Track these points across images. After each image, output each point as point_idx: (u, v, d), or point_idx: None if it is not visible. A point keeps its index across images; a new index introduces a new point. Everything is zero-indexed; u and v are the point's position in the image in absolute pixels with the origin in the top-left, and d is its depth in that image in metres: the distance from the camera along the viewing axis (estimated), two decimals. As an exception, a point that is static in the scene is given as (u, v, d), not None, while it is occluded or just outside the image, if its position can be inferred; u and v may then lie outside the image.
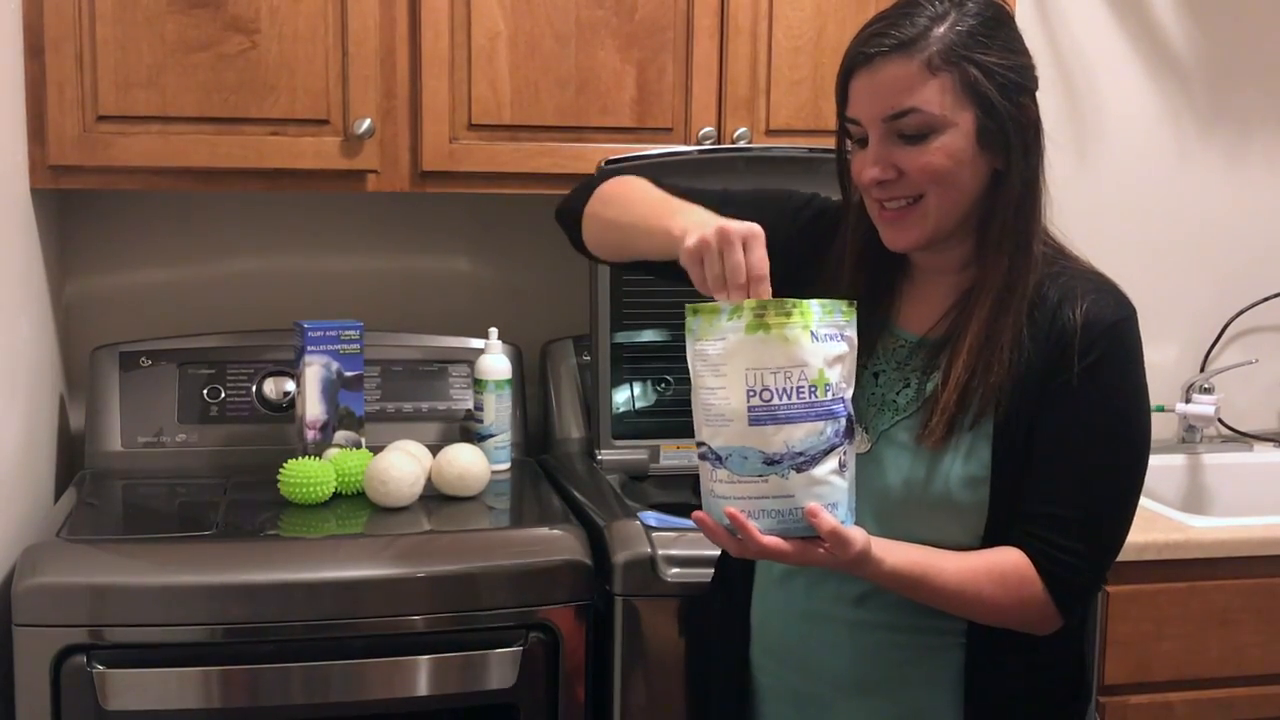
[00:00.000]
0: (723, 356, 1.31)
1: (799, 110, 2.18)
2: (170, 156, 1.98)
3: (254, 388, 2.21)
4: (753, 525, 1.30)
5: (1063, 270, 1.43)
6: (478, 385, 2.19)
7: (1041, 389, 1.39)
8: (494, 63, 2.07)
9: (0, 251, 1.86)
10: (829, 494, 1.31)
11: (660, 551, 1.79)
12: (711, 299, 1.33)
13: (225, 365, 2.21)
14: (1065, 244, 1.48)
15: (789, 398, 1.29)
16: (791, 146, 2.13)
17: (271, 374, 2.22)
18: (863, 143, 1.41)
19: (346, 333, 2.07)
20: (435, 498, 1.99)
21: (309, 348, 2.05)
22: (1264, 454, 2.65)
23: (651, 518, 1.89)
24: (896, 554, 1.34)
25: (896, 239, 1.43)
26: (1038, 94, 1.42)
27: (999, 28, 1.39)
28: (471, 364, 2.25)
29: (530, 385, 2.38)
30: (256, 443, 2.17)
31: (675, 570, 1.79)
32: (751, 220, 1.33)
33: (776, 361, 1.29)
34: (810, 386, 1.30)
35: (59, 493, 2.11)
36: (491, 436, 2.17)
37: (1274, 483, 2.60)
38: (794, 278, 1.43)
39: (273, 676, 1.69)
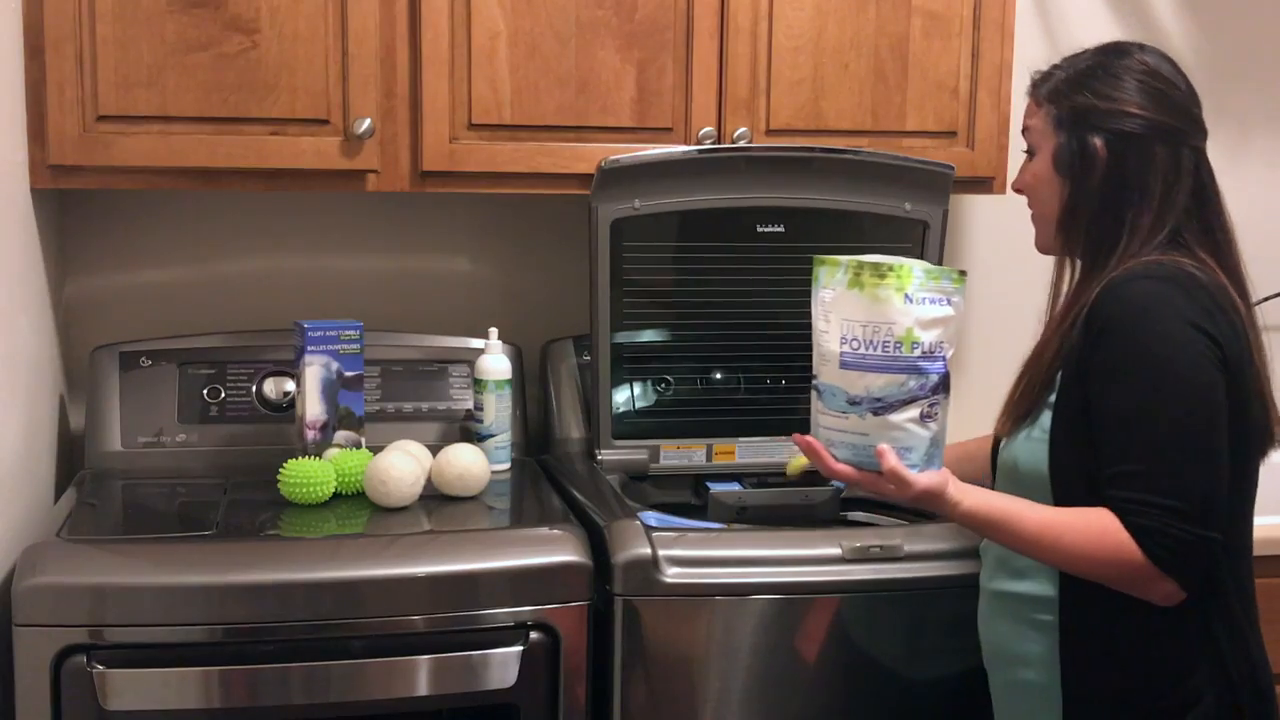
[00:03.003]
0: (830, 305, 1.55)
1: (799, 110, 2.18)
2: (170, 156, 1.98)
3: (254, 388, 2.21)
4: (825, 451, 1.56)
5: (1139, 263, 1.55)
6: (478, 385, 2.19)
7: (1078, 366, 1.53)
8: (494, 62, 2.07)
9: (0, 251, 1.86)
10: (903, 439, 1.50)
11: (660, 551, 1.79)
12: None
13: (225, 365, 2.21)
14: (1188, 254, 1.58)
15: (873, 349, 1.50)
16: (792, 146, 2.13)
17: (271, 374, 2.22)
18: None
19: (346, 333, 2.07)
20: (435, 498, 1.99)
21: (309, 348, 2.05)
22: (1264, 454, 2.65)
23: (651, 518, 1.89)
24: (976, 497, 1.52)
25: (1036, 244, 1.70)
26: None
27: (1104, 73, 1.60)
28: (471, 364, 2.25)
29: (530, 385, 2.38)
30: (256, 443, 2.17)
31: (675, 570, 1.79)
32: None
33: (866, 316, 1.50)
34: (896, 342, 1.49)
35: (59, 493, 2.11)
36: (491, 436, 2.17)
37: (1274, 483, 2.59)
38: None
39: (273, 676, 1.69)
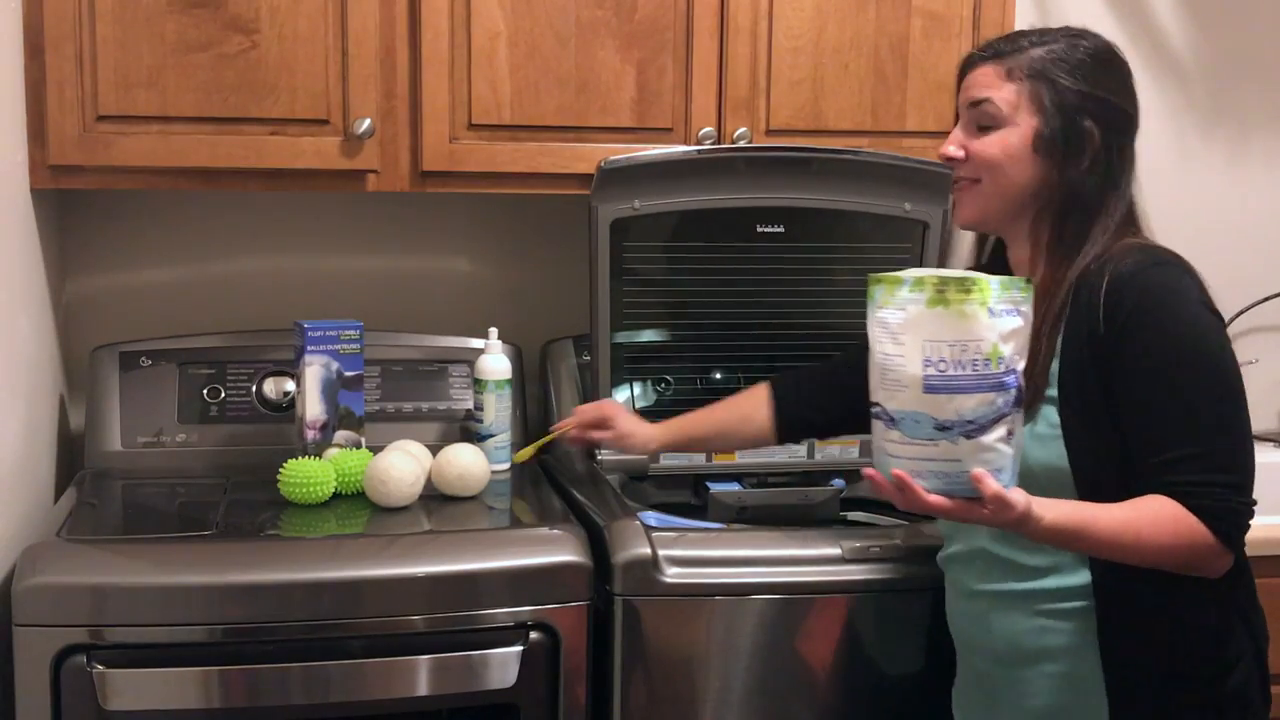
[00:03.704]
0: (902, 326, 1.42)
1: (799, 110, 2.18)
2: (170, 156, 1.98)
3: (254, 388, 2.21)
4: (919, 485, 1.42)
5: (1109, 251, 1.56)
6: (478, 385, 2.19)
7: (1091, 353, 1.51)
8: (494, 63, 2.07)
9: (0, 251, 1.86)
10: (995, 460, 1.41)
11: (660, 551, 1.79)
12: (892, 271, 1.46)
13: (225, 365, 2.21)
14: (1142, 238, 1.60)
15: (963, 369, 1.40)
16: (791, 146, 2.13)
17: (271, 374, 2.22)
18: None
19: (346, 333, 2.07)
20: (435, 498, 1.99)
21: (309, 348, 2.05)
22: (1264, 454, 2.65)
23: (651, 518, 1.89)
24: (1054, 510, 1.45)
25: (958, 215, 1.68)
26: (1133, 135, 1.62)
27: (1091, 61, 1.59)
28: (471, 364, 2.25)
29: (530, 385, 2.38)
30: (256, 443, 2.17)
31: (675, 570, 1.79)
32: None
33: (954, 335, 1.39)
34: (984, 360, 1.40)
35: (59, 493, 2.11)
36: (491, 436, 2.17)
37: (1274, 483, 2.59)
38: None
39: (273, 676, 1.69)
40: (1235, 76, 2.69)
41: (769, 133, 2.17)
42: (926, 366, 1.40)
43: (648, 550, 1.79)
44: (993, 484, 1.40)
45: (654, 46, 2.12)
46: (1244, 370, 1.54)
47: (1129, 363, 1.50)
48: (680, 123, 2.15)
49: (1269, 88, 2.72)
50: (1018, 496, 1.42)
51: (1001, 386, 1.40)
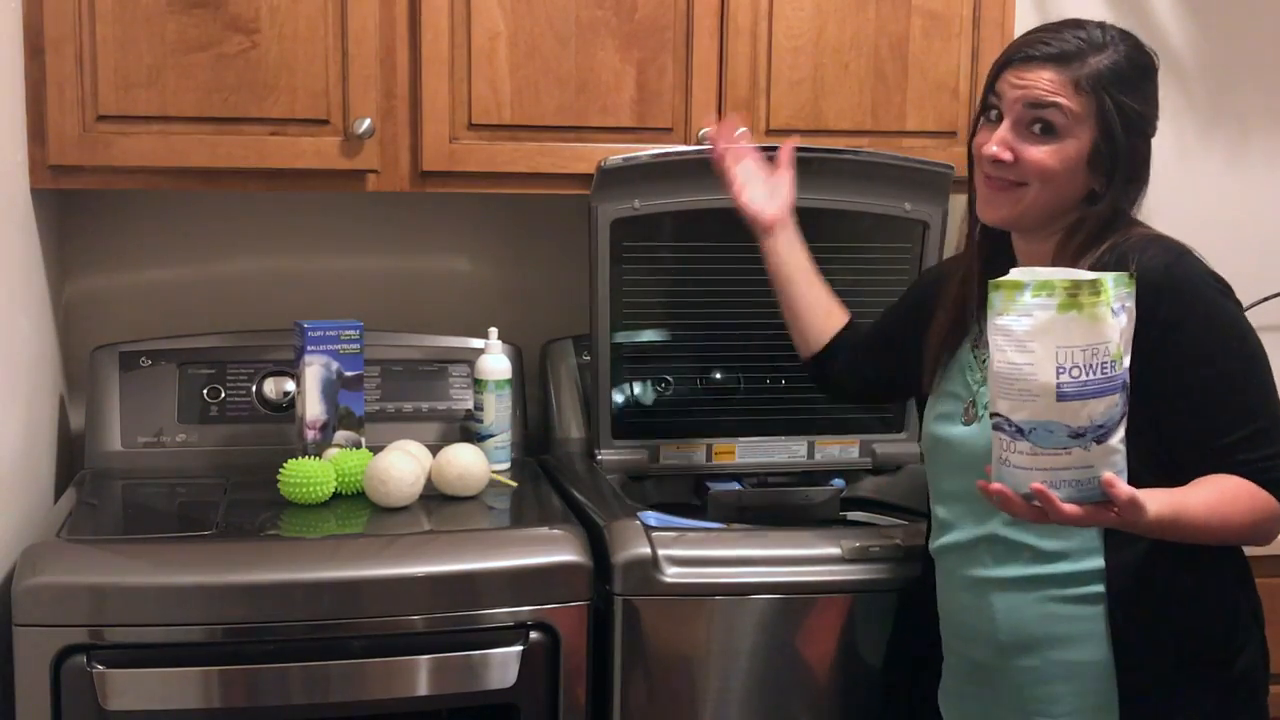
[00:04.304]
0: (1030, 333, 1.36)
1: (799, 110, 2.18)
2: (170, 156, 1.98)
3: (254, 388, 2.21)
4: (1056, 495, 1.37)
5: (1124, 241, 1.58)
6: (478, 385, 2.19)
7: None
8: (494, 63, 2.07)
9: (0, 251, 1.86)
10: (1119, 461, 1.39)
11: (660, 551, 1.79)
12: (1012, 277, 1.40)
13: (225, 365, 2.21)
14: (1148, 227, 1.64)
15: (1094, 373, 1.36)
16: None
17: (271, 374, 2.22)
18: (997, 121, 1.61)
19: (346, 333, 2.07)
20: (435, 498, 1.99)
21: (309, 348, 2.05)
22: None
23: (651, 518, 1.89)
24: (1156, 502, 1.42)
25: (987, 211, 1.64)
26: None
27: (1142, 77, 1.60)
28: (471, 364, 2.25)
29: (530, 385, 2.38)
30: (256, 443, 2.17)
31: (675, 570, 1.79)
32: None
33: (1086, 339, 1.35)
34: (1111, 361, 1.37)
35: (59, 493, 2.11)
36: (491, 436, 2.17)
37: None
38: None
39: (273, 676, 1.69)
40: (1235, 76, 2.69)
41: (769, 133, 2.17)
42: (1060, 374, 1.35)
43: (648, 550, 1.79)
44: (1125, 488, 1.38)
45: (654, 46, 2.12)
46: None
47: (1176, 356, 1.51)
48: (680, 123, 2.15)
49: (1269, 88, 2.72)
50: (1140, 496, 1.40)
51: (1123, 386, 1.38)
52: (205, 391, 2.18)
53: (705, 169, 1.98)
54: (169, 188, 2.13)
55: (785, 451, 2.26)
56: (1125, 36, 1.61)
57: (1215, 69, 2.68)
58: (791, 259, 1.93)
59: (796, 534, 1.91)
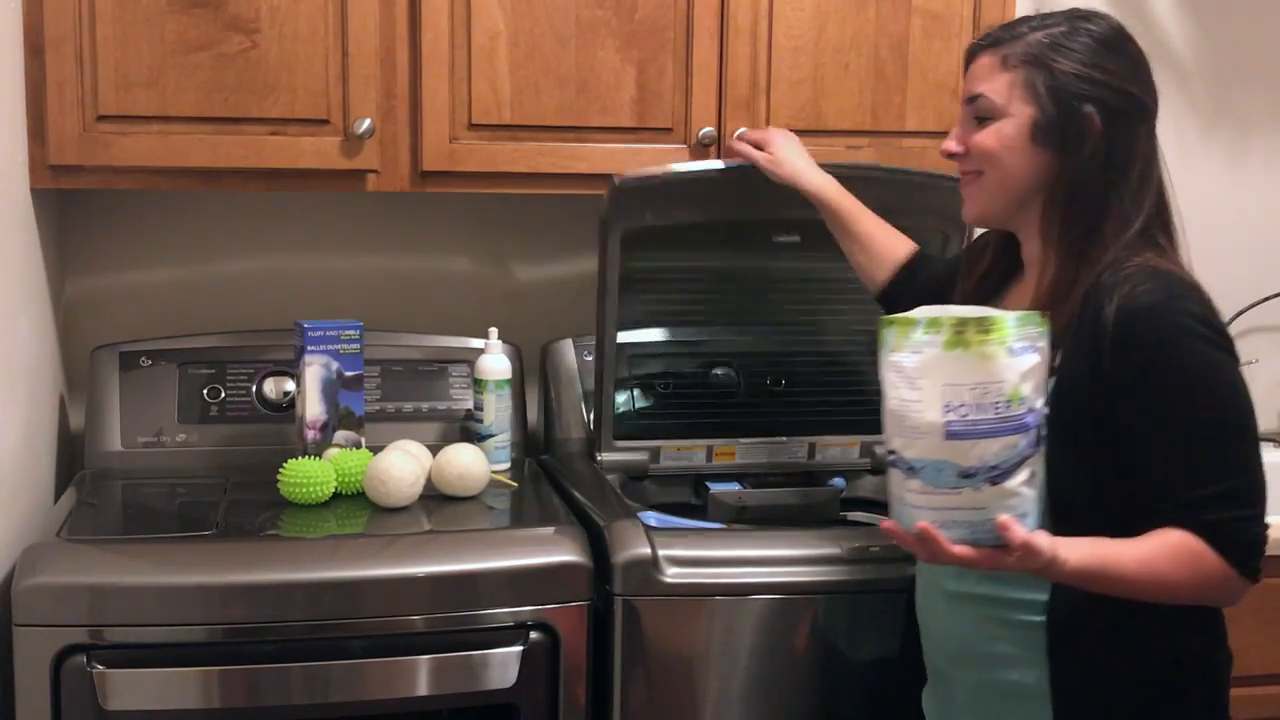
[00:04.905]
0: (919, 370, 1.34)
1: (799, 110, 2.18)
2: (170, 156, 1.98)
3: (254, 388, 2.21)
4: (943, 536, 1.35)
5: (1124, 266, 1.48)
6: (478, 385, 2.19)
7: (1091, 381, 1.46)
8: (494, 63, 2.07)
9: (0, 251, 1.86)
10: (1019, 505, 1.35)
11: (660, 551, 1.79)
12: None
13: (225, 365, 2.21)
14: (1166, 258, 1.52)
15: (985, 414, 1.32)
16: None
17: (271, 374, 2.22)
18: None
19: (346, 333, 2.07)
20: (435, 498, 1.99)
21: (309, 348, 2.05)
22: (1265, 454, 2.63)
23: (651, 518, 1.89)
24: (1078, 552, 1.39)
25: (965, 210, 1.63)
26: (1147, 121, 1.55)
27: (1096, 45, 1.52)
28: (471, 364, 2.25)
29: (530, 385, 2.38)
30: (256, 443, 2.17)
31: (675, 570, 1.79)
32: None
33: (974, 378, 1.32)
34: (1006, 401, 1.33)
35: (59, 493, 2.11)
36: (491, 436, 2.17)
37: (1274, 483, 2.58)
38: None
39: (273, 676, 1.69)
40: (1235, 76, 2.69)
41: (769, 133, 2.17)
42: (947, 412, 1.33)
43: (648, 550, 1.79)
44: (1020, 531, 1.34)
45: (654, 46, 2.12)
46: (1244, 370, 1.52)
47: (1146, 403, 1.45)
48: (680, 123, 2.15)
49: (1269, 88, 2.72)
50: (1043, 541, 1.36)
51: (1023, 428, 1.34)
52: (205, 391, 2.18)
53: (719, 184, 1.97)
54: (169, 188, 2.13)
55: (785, 452, 2.26)
56: (1087, 14, 1.56)
57: (1215, 69, 2.68)
58: (841, 209, 1.92)
59: (796, 534, 1.90)
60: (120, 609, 1.64)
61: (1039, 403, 1.37)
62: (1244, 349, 2.74)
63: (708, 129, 2.14)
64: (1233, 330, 2.69)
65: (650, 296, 2.21)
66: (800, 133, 2.16)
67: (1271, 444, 2.69)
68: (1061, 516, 1.48)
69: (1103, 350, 1.45)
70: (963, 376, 1.32)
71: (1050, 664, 1.52)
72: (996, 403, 1.32)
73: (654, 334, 2.26)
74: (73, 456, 2.25)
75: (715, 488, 2.21)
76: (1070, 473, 1.48)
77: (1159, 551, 1.43)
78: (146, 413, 2.15)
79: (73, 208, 2.28)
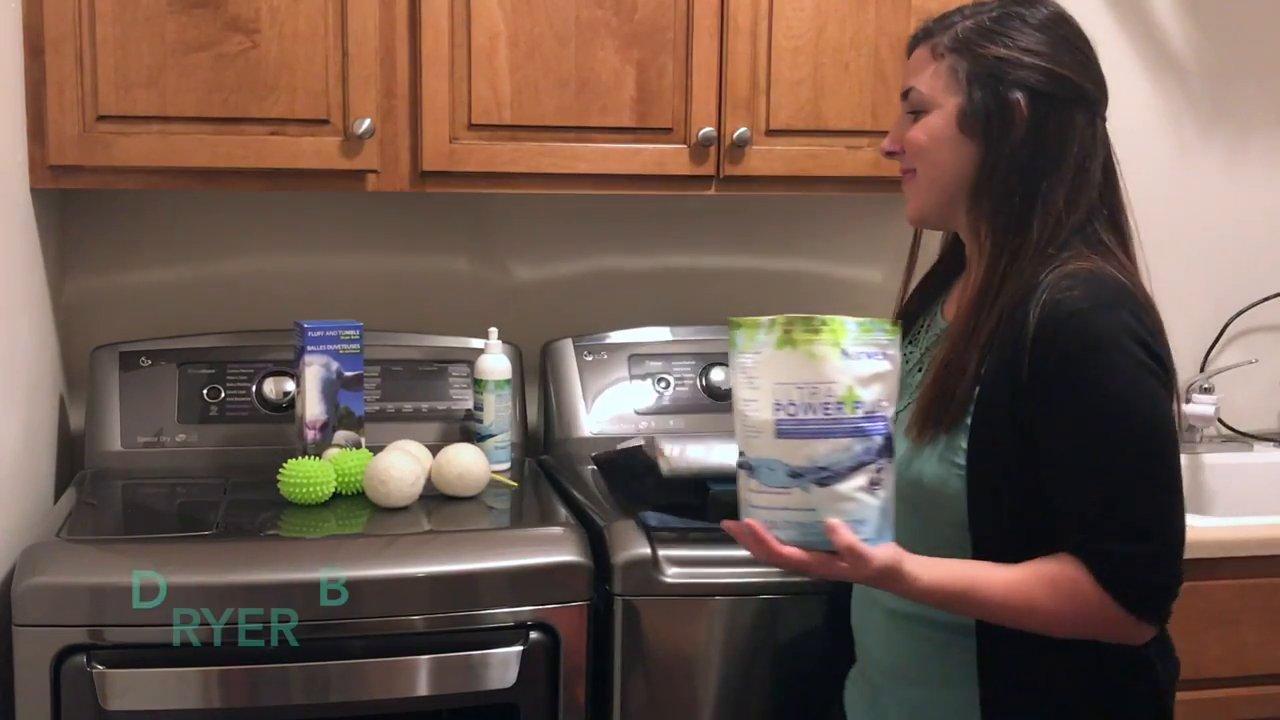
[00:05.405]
0: (756, 369, 1.35)
1: (799, 110, 2.18)
2: (170, 156, 1.98)
3: (254, 388, 2.21)
4: (770, 535, 1.34)
5: (1060, 267, 1.40)
6: (478, 385, 2.19)
7: (1012, 388, 1.38)
8: (494, 63, 2.07)
9: (0, 251, 1.86)
10: (854, 510, 1.33)
11: (660, 551, 1.79)
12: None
13: (225, 365, 2.21)
14: (1111, 259, 1.43)
15: (814, 414, 1.32)
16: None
17: (271, 374, 2.22)
18: None
19: (346, 333, 2.07)
20: (435, 498, 1.99)
21: (309, 348, 2.05)
22: (1264, 454, 2.65)
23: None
24: (935, 570, 1.36)
25: (907, 209, 1.54)
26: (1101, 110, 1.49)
27: (1026, 28, 1.44)
28: (471, 364, 2.25)
29: (530, 385, 2.38)
30: (256, 443, 2.17)
31: (675, 570, 1.79)
32: None
33: (802, 377, 1.32)
34: (837, 403, 1.32)
35: (59, 493, 2.11)
36: (491, 436, 2.17)
37: (1274, 483, 2.59)
38: None
39: (273, 676, 1.69)
40: (1235, 76, 2.69)
41: (769, 133, 2.17)
42: (777, 410, 1.33)
43: (648, 550, 1.79)
44: (846, 535, 1.30)
45: (654, 46, 2.12)
46: (1244, 370, 1.49)
47: (1053, 413, 1.36)
48: (680, 123, 2.15)
49: (1269, 88, 2.72)
50: (881, 552, 1.31)
51: (859, 432, 1.32)
52: (205, 391, 2.18)
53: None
54: (169, 188, 2.13)
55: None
56: (1026, 0, 1.47)
57: (1215, 69, 2.68)
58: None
59: (796, 534, 1.90)
60: (120, 609, 1.64)
61: (890, 411, 1.35)
62: (1244, 349, 2.77)
63: (708, 129, 2.14)
64: (1232, 330, 2.71)
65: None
66: (800, 133, 2.17)
67: (1271, 444, 2.69)
68: (981, 542, 1.41)
69: (1022, 357, 1.37)
70: (792, 375, 1.33)
71: (981, 685, 1.45)
72: (826, 403, 1.32)
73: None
74: (73, 456, 2.25)
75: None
76: (991, 488, 1.40)
77: (1033, 578, 1.35)
78: (146, 413, 2.15)
79: (73, 208, 2.28)
